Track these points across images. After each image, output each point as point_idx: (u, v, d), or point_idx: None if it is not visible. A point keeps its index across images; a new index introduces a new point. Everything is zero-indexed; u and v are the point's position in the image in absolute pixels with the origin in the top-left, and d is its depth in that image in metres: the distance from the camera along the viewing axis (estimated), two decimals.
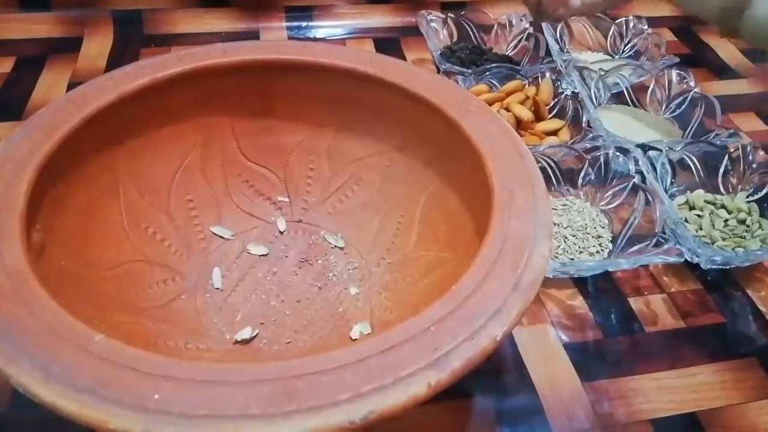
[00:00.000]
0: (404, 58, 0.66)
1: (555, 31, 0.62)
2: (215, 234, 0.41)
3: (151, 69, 0.38)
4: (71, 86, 0.59)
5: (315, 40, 0.68)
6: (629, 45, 0.66)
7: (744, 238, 0.45)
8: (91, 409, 0.22)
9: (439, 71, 0.59)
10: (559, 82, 0.56)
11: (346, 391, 0.22)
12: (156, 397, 0.22)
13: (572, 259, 0.43)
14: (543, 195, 0.32)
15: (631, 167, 0.46)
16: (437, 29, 0.64)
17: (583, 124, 0.52)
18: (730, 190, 0.49)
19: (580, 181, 0.48)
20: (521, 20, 0.64)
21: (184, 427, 0.21)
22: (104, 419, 0.21)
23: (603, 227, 0.45)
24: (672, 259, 0.41)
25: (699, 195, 0.48)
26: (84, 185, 0.35)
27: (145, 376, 0.23)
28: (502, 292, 0.26)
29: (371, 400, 0.22)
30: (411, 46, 0.68)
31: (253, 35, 0.67)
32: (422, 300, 0.34)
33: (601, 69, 0.57)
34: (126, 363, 0.23)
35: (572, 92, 0.55)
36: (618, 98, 0.59)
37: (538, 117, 0.54)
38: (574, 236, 0.44)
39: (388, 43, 0.68)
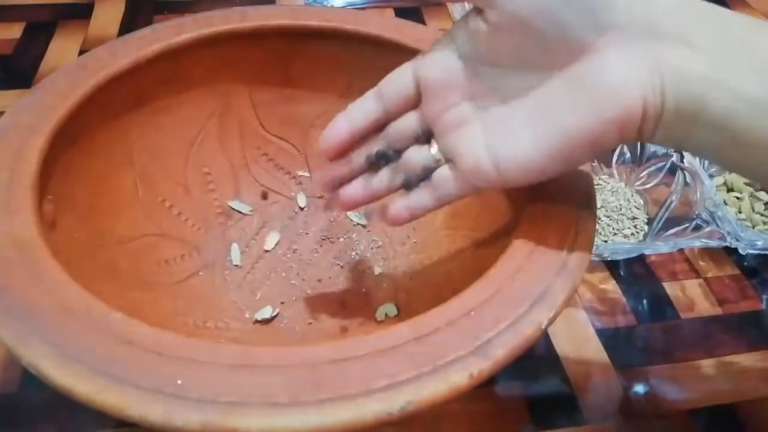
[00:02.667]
0: None
1: None
2: (233, 209, 0.39)
3: (167, 34, 0.36)
4: (82, 53, 0.56)
5: (334, 7, 0.65)
6: None
7: None
8: (108, 393, 0.20)
9: None
10: None
11: (381, 379, 0.21)
12: (178, 381, 0.20)
13: (605, 241, 0.41)
14: (583, 168, 0.30)
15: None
16: None
17: None
18: None
19: (614, 159, 0.46)
20: None
21: (208, 414, 0.20)
22: (122, 405, 0.20)
23: (638, 208, 0.43)
24: (714, 243, 0.39)
25: (738, 176, 0.46)
26: (97, 154, 0.33)
27: (165, 359, 0.21)
28: (547, 274, 0.24)
29: (409, 390, 0.20)
30: (434, 15, 0.65)
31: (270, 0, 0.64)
32: (450, 282, 0.32)
33: None
34: (145, 344, 0.21)
35: None
36: None
37: None
38: (608, 217, 0.42)
39: (409, 13, 0.65)
